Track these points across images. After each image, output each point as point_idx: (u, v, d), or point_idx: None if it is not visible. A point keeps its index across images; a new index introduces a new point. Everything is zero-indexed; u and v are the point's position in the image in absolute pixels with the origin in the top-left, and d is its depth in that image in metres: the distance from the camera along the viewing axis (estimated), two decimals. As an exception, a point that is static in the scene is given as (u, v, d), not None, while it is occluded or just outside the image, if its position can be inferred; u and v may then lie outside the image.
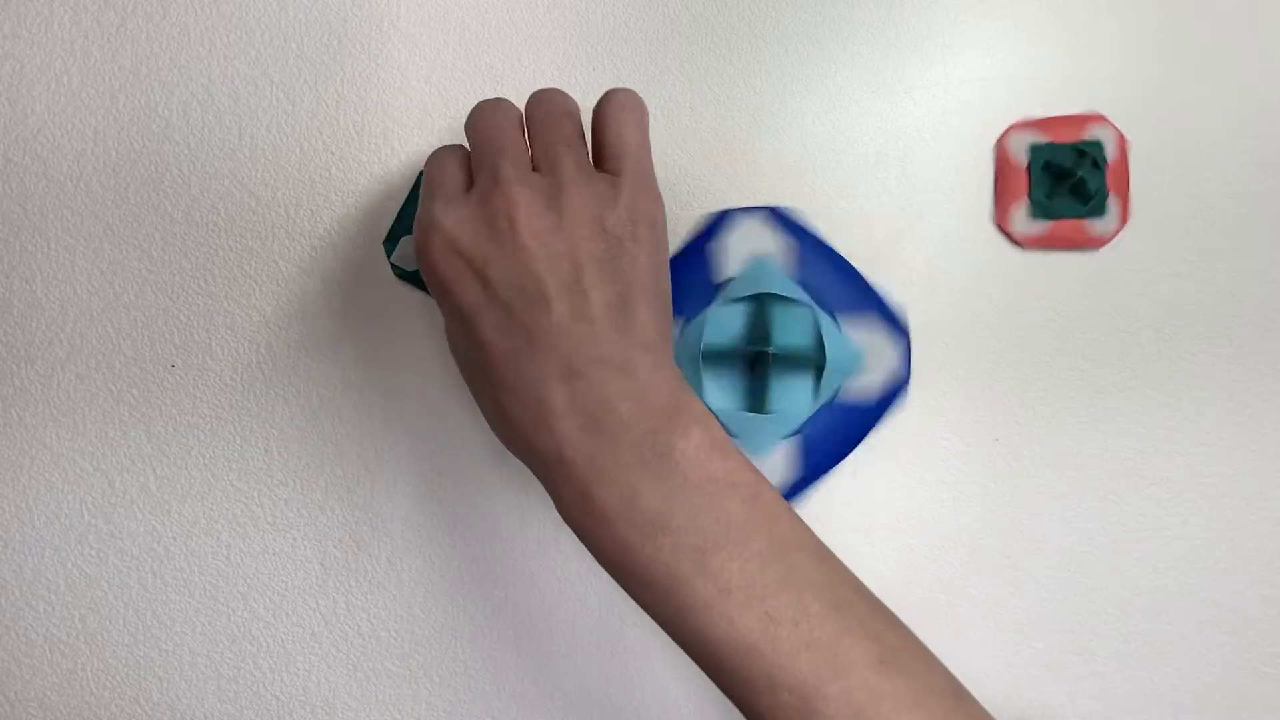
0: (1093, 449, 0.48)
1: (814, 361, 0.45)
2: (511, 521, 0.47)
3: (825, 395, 0.46)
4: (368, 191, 0.47)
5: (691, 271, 0.46)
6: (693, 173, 0.47)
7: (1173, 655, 0.48)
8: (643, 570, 0.33)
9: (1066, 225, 0.47)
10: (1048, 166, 0.47)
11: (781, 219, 0.47)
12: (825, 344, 0.45)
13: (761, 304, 0.46)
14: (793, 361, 0.45)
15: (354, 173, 0.47)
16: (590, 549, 0.35)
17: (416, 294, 0.47)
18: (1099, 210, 0.47)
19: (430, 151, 0.39)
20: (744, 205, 0.47)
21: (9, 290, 0.46)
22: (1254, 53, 0.47)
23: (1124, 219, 0.47)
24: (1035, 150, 0.47)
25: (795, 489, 0.47)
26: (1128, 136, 0.47)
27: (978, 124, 0.48)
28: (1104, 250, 0.48)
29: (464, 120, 0.39)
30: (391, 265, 0.46)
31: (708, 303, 0.46)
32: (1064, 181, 0.47)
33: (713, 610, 0.32)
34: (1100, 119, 0.47)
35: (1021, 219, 0.47)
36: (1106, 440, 0.48)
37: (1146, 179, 0.48)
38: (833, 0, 0.48)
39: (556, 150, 0.36)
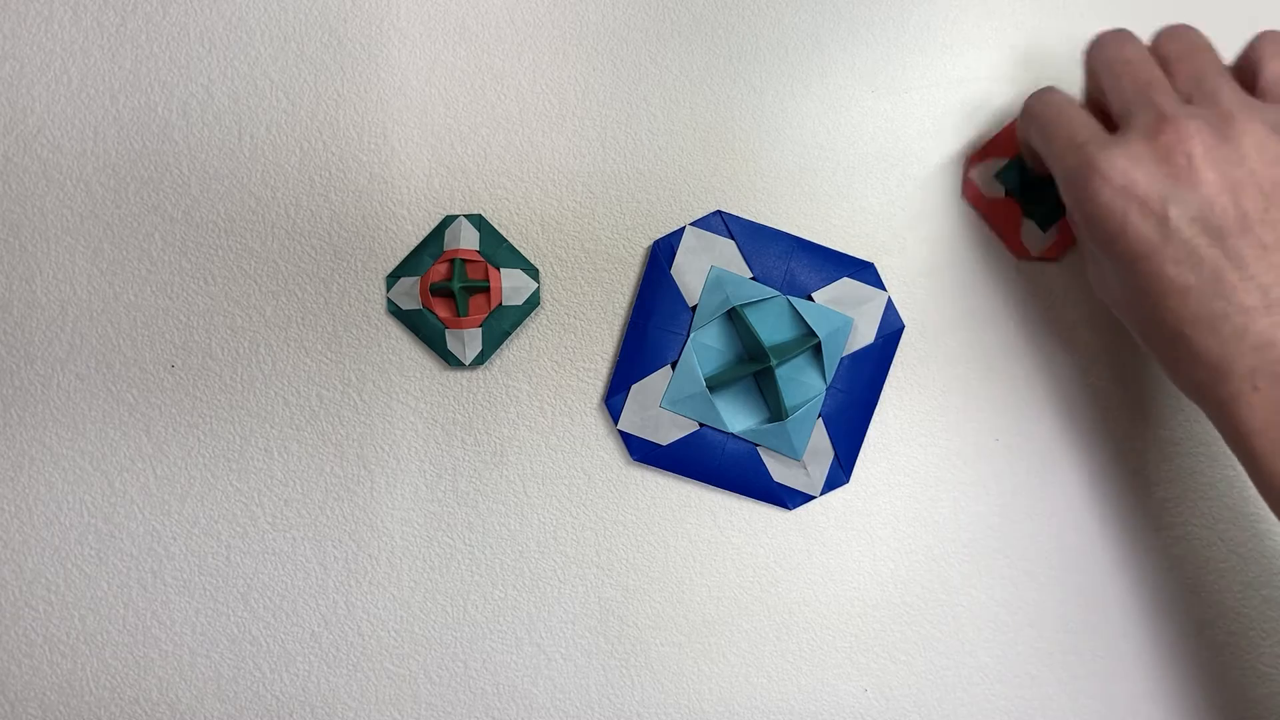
0: (1092, 449, 0.48)
1: (808, 344, 0.45)
2: (511, 522, 0.47)
3: (831, 369, 0.46)
4: (368, 191, 0.47)
5: (669, 298, 0.46)
6: (693, 173, 0.47)
7: (1173, 655, 0.48)
8: None
9: (1003, 206, 0.47)
10: (1024, 178, 0.46)
11: (715, 222, 0.46)
12: (809, 323, 0.45)
13: (734, 318, 0.46)
14: (789, 353, 0.45)
15: (354, 173, 0.47)
16: None
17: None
18: (1043, 222, 0.46)
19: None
20: (673, 228, 0.47)
21: (9, 290, 0.46)
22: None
23: (1055, 254, 0.47)
24: (1003, 174, 0.46)
25: (839, 465, 0.47)
26: None
27: (978, 124, 0.48)
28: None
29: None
30: (388, 300, 0.46)
31: (686, 327, 0.46)
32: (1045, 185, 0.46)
33: None
34: None
35: (1033, 235, 0.47)
36: (1106, 440, 0.48)
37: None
38: (833, 0, 0.48)
39: (1212, 81, 0.36)
